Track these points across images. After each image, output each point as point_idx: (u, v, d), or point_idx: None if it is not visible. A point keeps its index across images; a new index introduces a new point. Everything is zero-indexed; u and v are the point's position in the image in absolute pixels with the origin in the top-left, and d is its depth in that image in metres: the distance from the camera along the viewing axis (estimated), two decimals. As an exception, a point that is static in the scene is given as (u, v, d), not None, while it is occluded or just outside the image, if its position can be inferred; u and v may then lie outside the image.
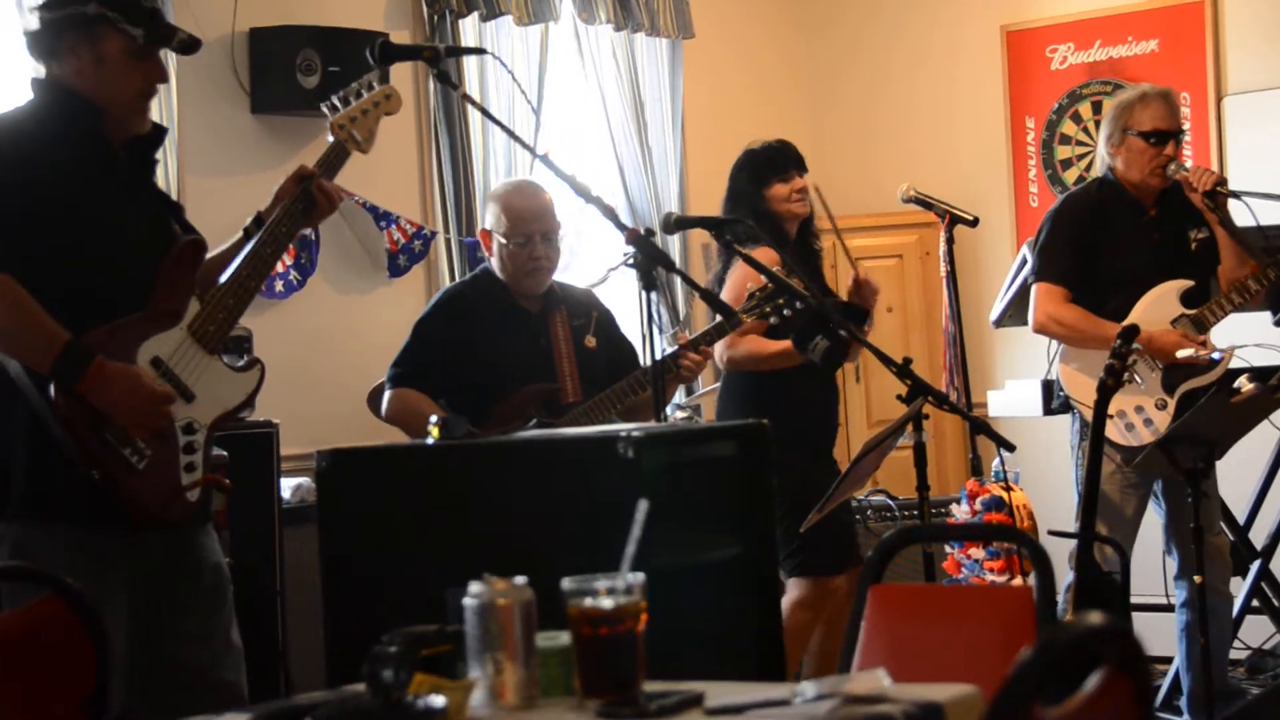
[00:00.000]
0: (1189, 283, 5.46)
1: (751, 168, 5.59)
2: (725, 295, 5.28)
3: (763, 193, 5.52)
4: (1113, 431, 5.32)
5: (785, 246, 5.41)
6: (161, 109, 5.85)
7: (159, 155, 3.86)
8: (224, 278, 3.70)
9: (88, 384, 3.40)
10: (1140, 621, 5.53)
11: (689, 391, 7.44)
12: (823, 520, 4.69)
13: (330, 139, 3.86)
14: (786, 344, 5.09)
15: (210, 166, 6.12)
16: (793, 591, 5.35)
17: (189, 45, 3.72)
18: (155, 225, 3.70)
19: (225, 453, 3.69)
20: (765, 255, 4.92)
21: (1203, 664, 5.11)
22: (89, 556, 3.49)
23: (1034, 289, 5.57)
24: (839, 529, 5.33)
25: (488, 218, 5.01)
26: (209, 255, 3.79)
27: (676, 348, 4.88)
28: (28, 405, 3.46)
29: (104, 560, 3.52)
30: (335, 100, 3.89)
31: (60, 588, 2.97)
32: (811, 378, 5.27)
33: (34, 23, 3.63)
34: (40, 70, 3.68)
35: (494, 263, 4.97)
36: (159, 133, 3.78)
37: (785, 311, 4.86)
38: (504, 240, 4.91)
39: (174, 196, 5.84)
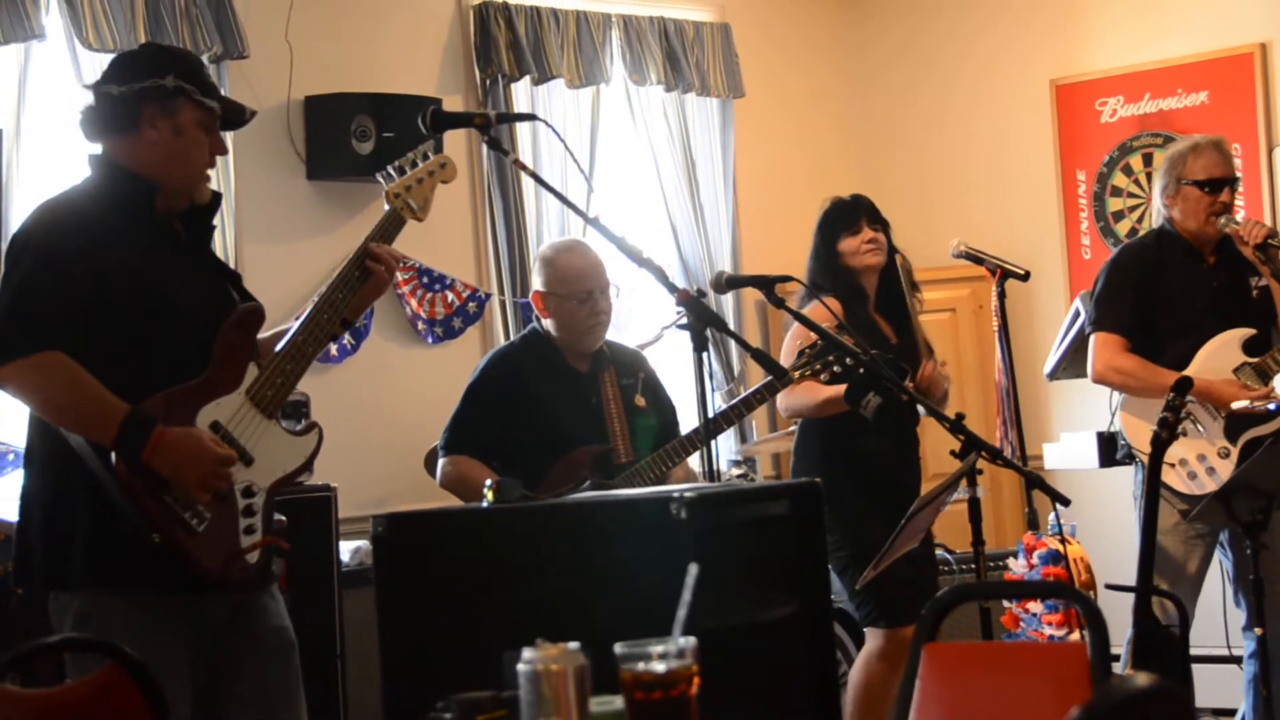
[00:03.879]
0: (1251, 331, 5.44)
1: (824, 227, 5.54)
2: (792, 339, 5.32)
3: (835, 249, 5.51)
4: (1175, 480, 5.30)
5: (861, 300, 5.42)
6: (219, 176, 5.93)
7: (216, 221, 3.91)
8: (281, 344, 3.75)
9: (150, 452, 3.45)
10: (1202, 673, 5.49)
11: (743, 439, 7.45)
12: (893, 569, 4.67)
13: (386, 207, 3.91)
14: (838, 389, 5.09)
15: (267, 233, 6.20)
16: (869, 642, 5.33)
17: (248, 119, 3.85)
18: (214, 294, 3.75)
19: (284, 518, 3.72)
20: (818, 312, 4.93)
21: (1267, 716, 5.08)
22: (153, 623, 3.52)
23: (1092, 339, 5.56)
24: (911, 579, 5.14)
25: (541, 279, 5.01)
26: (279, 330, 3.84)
27: (763, 382, 4.92)
28: (86, 474, 3.51)
29: (167, 626, 3.55)
30: (390, 170, 3.93)
31: (121, 657, 3.00)
32: (884, 430, 5.25)
33: (101, 99, 3.66)
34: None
35: (549, 323, 4.99)
36: (215, 199, 3.85)
37: (835, 368, 4.89)
38: (565, 299, 4.93)
39: (231, 263, 5.91)
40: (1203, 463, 5.36)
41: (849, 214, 5.53)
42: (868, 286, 5.51)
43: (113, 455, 3.46)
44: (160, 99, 3.63)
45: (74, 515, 3.54)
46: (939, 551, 6.25)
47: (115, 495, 3.46)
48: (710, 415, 3.88)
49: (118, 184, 3.65)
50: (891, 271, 5.57)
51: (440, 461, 4.91)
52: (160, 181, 3.66)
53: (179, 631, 3.58)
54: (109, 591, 3.54)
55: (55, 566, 3.57)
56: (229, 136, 5.80)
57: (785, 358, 5.30)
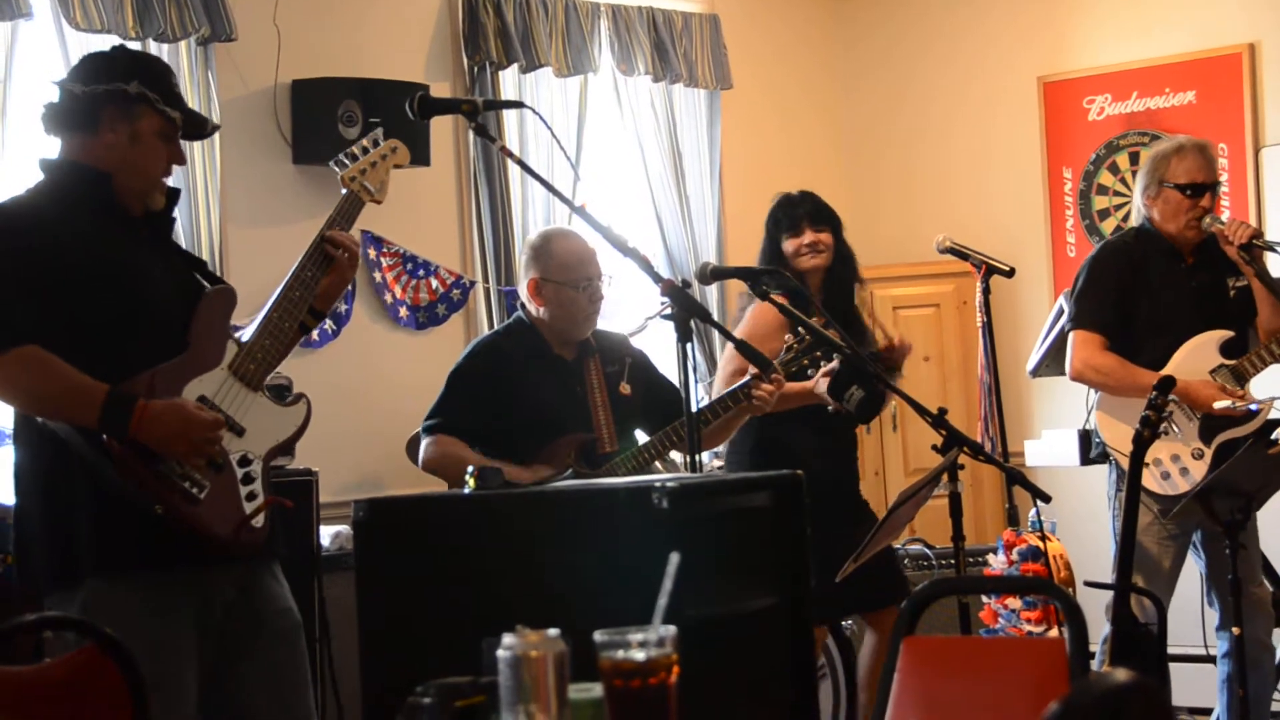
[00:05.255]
0: (1229, 333, 5.45)
1: (770, 225, 5.56)
2: (741, 333, 5.27)
3: (779, 249, 5.51)
4: (1149, 480, 5.31)
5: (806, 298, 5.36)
6: (205, 159, 5.92)
7: (175, 214, 3.92)
8: (256, 321, 3.77)
9: (136, 426, 3.46)
10: (1179, 673, 5.50)
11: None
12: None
13: (343, 191, 3.95)
14: (799, 386, 5.07)
15: (252, 217, 6.19)
16: None
17: (211, 132, 3.92)
18: (181, 280, 3.77)
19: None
20: (765, 312, 4.90)
21: (1242, 716, 5.09)
22: (160, 607, 3.54)
23: (1071, 336, 5.56)
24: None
25: (539, 266, 4.93)
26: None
27: (748, 377, 4.85)
28: (84, 466, 3.51)
29: (175, 609, 3.57)
30: (342, 157, 4.00)
31: (99, 636, 3.00)
32: (813, 428, 5.25)
33: (64, 96, 3.67)
34: (46, 148, 3.73)
35: (543, 311, 4.93)
36: (173, 197, 3.85)
37: (823, 363, 4.87)
38: (565, 285, 4.90)
39: (215, 245, 5.92)
40: (1176, 463, 5.38)
41: (790, 215, 5.51)
42: (811, 285, 5.47)
43: (104, 436, 3.46)
44: (121, 103, 3.64)
45: (73, 504, 3.55)
46: (918, 546, 6.28)
47: (110, 474, 3.47)
48: (694, 409, 3.88)
49: (74, 178, 3.66)
50: (839, 272, 5.53)
51: (423, 442, 4.88)
52: (112, 173, 3.66)
53: (187, 614, 3.60)
54: (116, 576, 3.54)
55: (60, 565, 3.58)
56: (216, 119, 5.85)
57: (724, 369, 5.35)
